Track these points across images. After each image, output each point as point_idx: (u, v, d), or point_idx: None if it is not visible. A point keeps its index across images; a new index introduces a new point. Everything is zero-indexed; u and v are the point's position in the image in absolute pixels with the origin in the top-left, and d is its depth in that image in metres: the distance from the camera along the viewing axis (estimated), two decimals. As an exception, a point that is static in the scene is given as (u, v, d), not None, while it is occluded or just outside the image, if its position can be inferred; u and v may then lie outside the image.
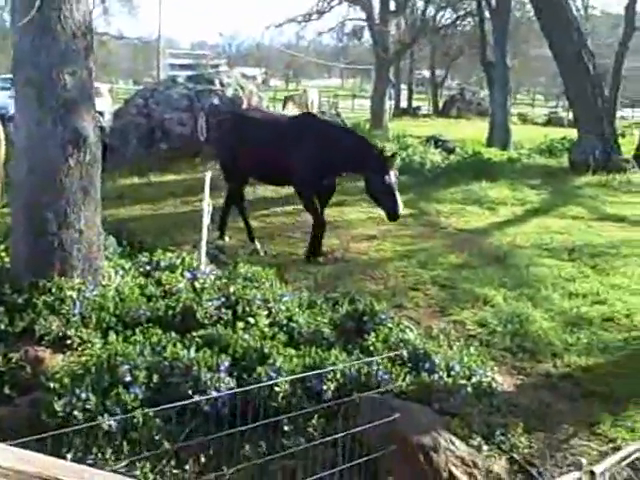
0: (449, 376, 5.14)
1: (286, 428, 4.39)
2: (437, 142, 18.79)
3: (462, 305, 7.29)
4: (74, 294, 5.71)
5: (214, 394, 4.49)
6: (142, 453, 4.04)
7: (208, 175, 7.45)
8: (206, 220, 7.37)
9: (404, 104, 48.10)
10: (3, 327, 5.34)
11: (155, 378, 4.61)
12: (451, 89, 53.92)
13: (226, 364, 4.82)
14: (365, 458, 4.04)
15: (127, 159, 15.09)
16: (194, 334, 5.31)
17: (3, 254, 6.52)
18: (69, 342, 5.32)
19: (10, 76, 8.14)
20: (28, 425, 4.21)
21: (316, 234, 8.65)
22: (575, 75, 16.98)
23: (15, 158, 6.25)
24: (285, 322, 5.83)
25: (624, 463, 3.72)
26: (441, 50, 46.69)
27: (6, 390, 4.77)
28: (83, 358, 4.95)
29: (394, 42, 32.20)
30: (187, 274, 6.70)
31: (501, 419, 4.98)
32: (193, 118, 15.77)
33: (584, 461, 3.52)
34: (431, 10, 38.91)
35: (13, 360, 5.01)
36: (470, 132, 27.07)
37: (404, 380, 4.97)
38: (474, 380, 5.21)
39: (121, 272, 6.64)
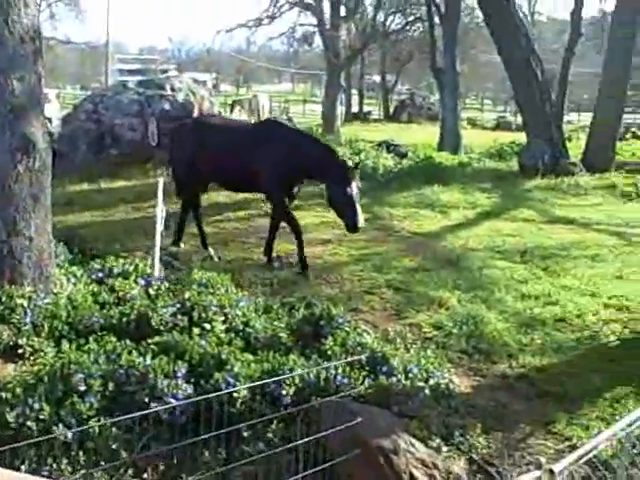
0: (407, 379, 5.16)
1: (246, 434, 4.36)
2: (389, 147, 18.87)
3: (417, 308, 7.33)
4: (25, 302, 5.61)
5: (172, 401, 4.43)
6: (99, 463, 3.96)
7: (161, 181, 7.38)
8: (159, 226, 7.29)
9: (355, 109, 48.28)
10: (-49, 338, 5.21)
11: (110, 386, 4.55)
12: (401, 94, 54.27)
13: (183, 371, 4.77)
14: (330, 463, 4.02)
15: (76, 165, 14.83)
16: (149, 341, 5.26)
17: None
18: (21, 351, 5.23)
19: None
20: (-21, 437, 4.10)
21: (300, 240, 8.45)
22: (524, 81, 17.25)
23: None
24: (242, 327, 5.82)
25: (582, 461, 3.75)
26: (391, 55, 47.01)
27: (-45, 402, 4.64)
28: (35, 367, 4.84)
29: (345, 47, 32.33)
30: (141, 281, 6.63)
31: (459, 420, 5.01)
32: (144, 123, 15.59)
33: (543, 460, 3.55)
34: (381, 15, 39.14)
35: (-38, 371, 4.89)
36: (421, 137, 27.28)
37: (362, 384, 4.97)
38: (432, 382, 5.24)
39: (73, 280, 6.55)
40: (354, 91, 49.56)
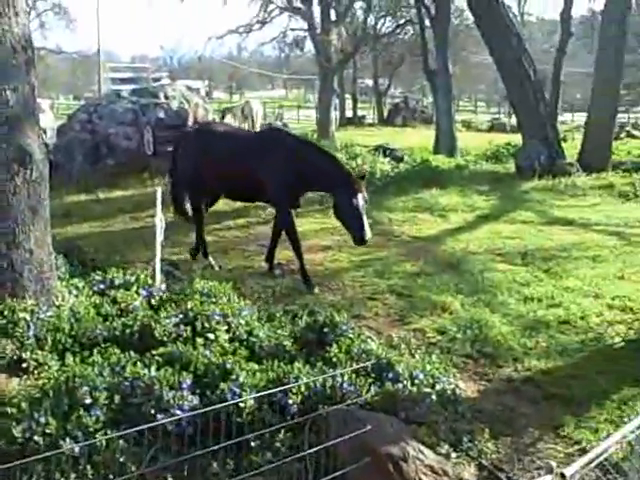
0: (413, 385, 5.12)
1: (254, 444, 4.32)
2: (385, 151, 18.88)
3: (420, 313, 7.31)
4: (27, 316, 5.56)
5: (178, 413, 4.40)
6: (107, 477, 3.92)
7: (159, 190, 7.33)
8: (159, 236, 7.25)
9: (349, 113, 48.32)
10: (-46, 353, 5.16)
11: (116, 399, 4.50)
12: (394, 97, 54.36)
13: (188, 382, 4.73)
14: (340, 472, 3.99)
15: (73, 176, 14.83)
16: (153, 352, 5.21)
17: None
18: (25, 365, 5.16)
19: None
20: (-14, 453, 4.06)
21: (299, 253, 8.32)
22: (517, 81, 17.29)
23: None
24: (245, 337, 5.77)
25: (593, 464, 3.73)
26: (383, 59, 47.17)
27: (-40, 418, 4.59)
28: (40, 381, 4.80)
29: (336, 51, 32.35)
30: (143, 291, 6.59)
31: (467, 425, 4.98)
32: (139, 132, 15.59)
33: (554, 464, 3.53)
34: (371, 19, 39.31)
35: (-34, 386, 4.85)
36: (416, 140, 27.31)
37: (369, 391, 4.93)
38: (438, 388, 5.21)
39: (75, 292, 6.49)
40: (347, 95, 49.62)
